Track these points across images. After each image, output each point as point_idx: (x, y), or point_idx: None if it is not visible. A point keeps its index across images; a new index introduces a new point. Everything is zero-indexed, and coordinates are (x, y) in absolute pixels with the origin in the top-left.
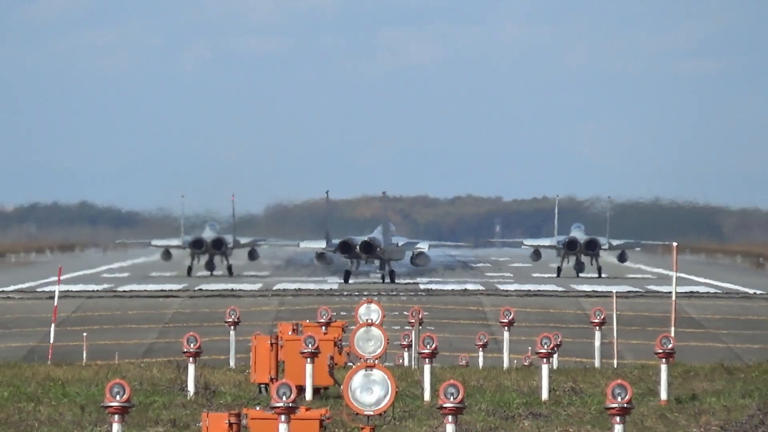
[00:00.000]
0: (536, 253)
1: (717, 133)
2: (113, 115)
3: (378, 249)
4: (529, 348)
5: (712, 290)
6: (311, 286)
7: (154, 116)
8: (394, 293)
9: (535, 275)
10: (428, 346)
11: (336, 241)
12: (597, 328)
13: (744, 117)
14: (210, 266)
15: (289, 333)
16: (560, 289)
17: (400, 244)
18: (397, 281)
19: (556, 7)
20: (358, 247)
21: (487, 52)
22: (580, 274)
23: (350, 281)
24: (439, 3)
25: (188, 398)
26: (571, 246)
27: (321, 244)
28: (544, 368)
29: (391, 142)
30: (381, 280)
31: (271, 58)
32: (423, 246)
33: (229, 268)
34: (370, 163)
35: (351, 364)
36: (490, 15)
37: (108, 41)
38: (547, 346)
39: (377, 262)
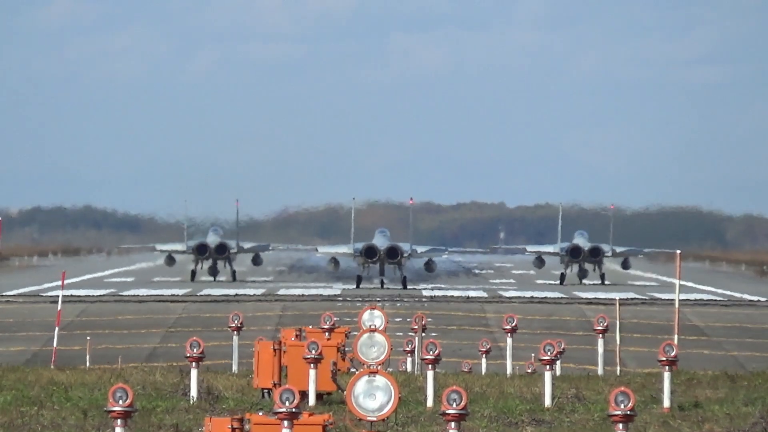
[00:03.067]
0: (539, 260)
1: (721, 141)
2: (118, 120)
3: (403, 254)
4: (532, 355)
5: (715, 298)
6: (315, 292)
7: (159, 121)
8: (398, 299)
9: (538, 282)
10: (431, 353)
11: (359, 246)
12: (600, 335)
13: (749, 124)
14: (213, 271)
15: (292, 338)
16: (563, 296)
17: (419, 251)
18: (393, 287)
19: (562, 15)
20: (382, 252)
21: (493, 59)
22: (584, 281)
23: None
24: (447, 9)
25: (191, 403)
26: (574, 253)
27: (339, 249)
28: (547, 375)
29: (396, 148)
30: (380, 286)
31: (277, 63)
32: (444, 252)
33: (233, 274)
34: (374, 169)
35: (354, 370)
36: (498, 22)
37: (115, 46)
38: (550, 353)
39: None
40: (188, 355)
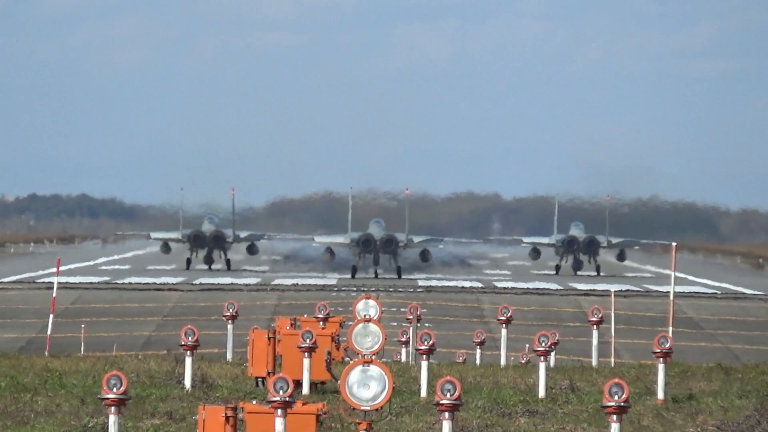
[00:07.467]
0: (535, 251)
1: (718, 134)
2: (114, 108)
3: (399, 244)
4: (527, 346)
5: (710, 290)
6: (310, 281)
7: (156, 109)
8: (393, 290)
9: (533, 273)
10: (426, 343)
11: (356, 236)
12: (595, 326)
13: (745, 118)
14: (209, 260)
15: (287, 327)
16: (558, 287)
17: (416, 241)
18: (388, 277)
19: (565, 7)
20: (378, 242)
21: (492, 51)
22: (579, 273)
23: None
24: (449, 1)
25: (185, 391)
26: (570, 244)
27: (335, 239)
28: (542, 366)
29: (393, 139)
30: (374, 276)
31: (276, 53)
32: (440, 243)
33: (228, 263)
34: (370, 160)
35: (348, 359)
36: (499, 15)
37: (113, 35)
38: (545, 344)
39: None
40: (183, 343)
